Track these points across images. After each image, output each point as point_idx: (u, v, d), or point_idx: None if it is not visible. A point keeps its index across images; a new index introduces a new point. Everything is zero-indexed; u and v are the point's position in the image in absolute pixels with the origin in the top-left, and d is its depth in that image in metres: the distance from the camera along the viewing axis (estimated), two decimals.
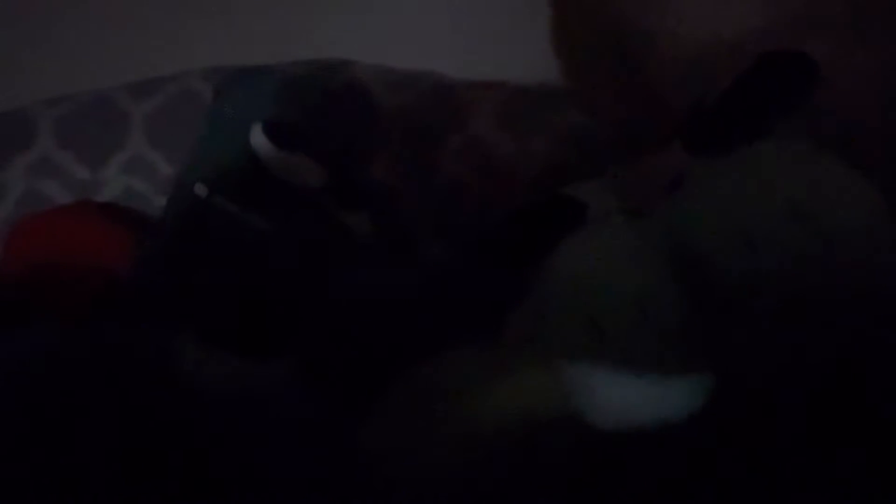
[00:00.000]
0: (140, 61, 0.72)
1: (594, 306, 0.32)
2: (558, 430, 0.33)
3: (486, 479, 0.33)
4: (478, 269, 0.43)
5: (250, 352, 0.38)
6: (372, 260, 0.47)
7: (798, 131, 0.37)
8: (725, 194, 0.35)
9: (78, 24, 0.78)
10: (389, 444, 0.36)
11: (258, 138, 0.46)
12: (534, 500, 0.33)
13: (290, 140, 0.47)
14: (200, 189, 0.46)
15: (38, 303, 0.52)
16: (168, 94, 0.69)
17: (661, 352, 0.31)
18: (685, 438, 0.31)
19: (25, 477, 0.32)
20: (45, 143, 0.68)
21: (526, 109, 0.63)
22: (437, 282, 0.44)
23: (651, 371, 0.30)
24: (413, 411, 0.37)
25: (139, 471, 0.33)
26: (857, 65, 0.42)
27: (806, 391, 0.31)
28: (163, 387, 0.37)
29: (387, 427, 0.37)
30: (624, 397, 0.31)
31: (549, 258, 0.36)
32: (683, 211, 0.35)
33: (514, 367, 0.35)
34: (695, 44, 0.48)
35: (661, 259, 0.33)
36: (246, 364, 0.38)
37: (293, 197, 0.47)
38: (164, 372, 0.37)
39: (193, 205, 0.47)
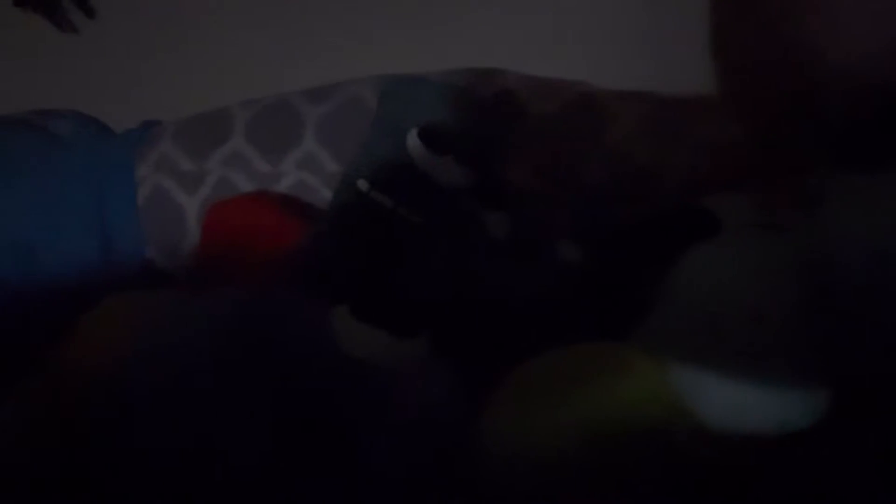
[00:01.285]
0: (317, 70, 0.81)
1: (713, 310, 0.33)
2: (669, 430, 0.34)
3: (600, 470, 0.35)
4: (609, 273, 0.44)
5: (397, 329, 0.43)
6: (508, 257, 0.51)
7: None
8: (874, 212, 0.35)
9: (264, 39, 0.90)
10: (510, 427, 0.39)
11: (413, 142, 0.51)
12: (649, 495, 0.34)
13: (442, 144, 0.51)
14: (362, 184, 0.52)
15: (226, 274, 0.61)
16: (338, 100, 0.74)
17: (777, 359, 0.31)
18: (805, 447, 0.31)
19: (209, 418, 0.38)
20: (237, 139, 0.78)
21: (668, 120, 0.63)
22: (569, 282, 0.46)
23: (766, 376, 0.31)
24: (534, 401, 0.39)
25: (289, 422, 0.39)
26: None
27: None
28: (319, 353, 0.42)
29: (509, 412, 0.40)
30: (738, 400, 0.31)
31: (676, 265, 0.37)
32: (827, 226, 0.35)
33: (631, 366, 0.36)
34: (860, 54, 0.46)
35: (788, 271, 0.33)
36: (392, 340, 0.43)
37: (441, 195, 0.51)
38: (322, 341, 0.43)
39: (355, 198, 0.53)
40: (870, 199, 0.35)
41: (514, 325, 0.44)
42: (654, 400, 0.35)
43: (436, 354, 0.43)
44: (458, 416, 0.41)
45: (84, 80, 1.01)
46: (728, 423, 0.32)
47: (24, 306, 0.73)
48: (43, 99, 0.99)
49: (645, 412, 0.35)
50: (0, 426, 0.53)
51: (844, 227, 0.35)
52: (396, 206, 0.51)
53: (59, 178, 0.80)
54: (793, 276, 0.32)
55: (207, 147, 0.77)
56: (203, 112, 0.82)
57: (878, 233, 0.33)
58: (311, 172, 0.72)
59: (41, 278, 0.75)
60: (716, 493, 0.32)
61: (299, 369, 0.40)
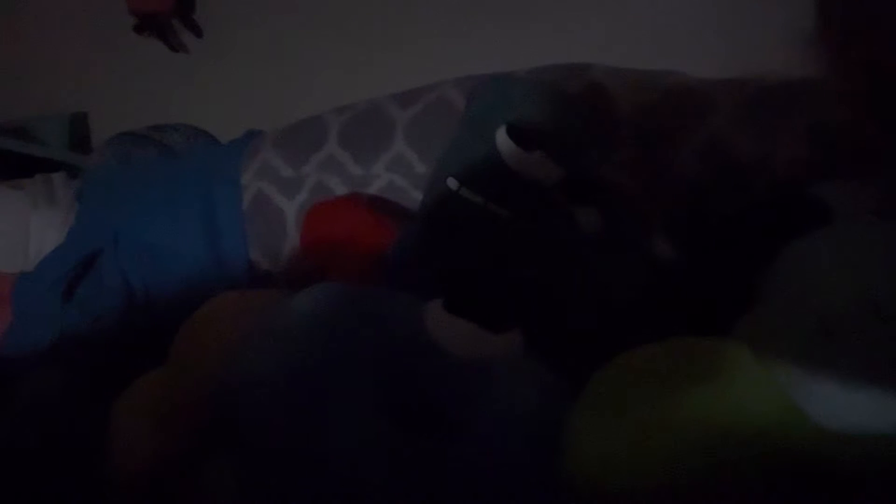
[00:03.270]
0: (407, 75, 0.83)
1: (825, 306, 0.30)
2: (783, 432, 0.32)
3: (716, 471, 0.33)
4: (707, 266, 0.43)
5: (490, 324, 0.43)
6: (599, 253, 0.50)
7: None
8: None
9: (357, 49, 0.93)
10: (609, 424, 0.38)
11: (502, 139, 0.51)
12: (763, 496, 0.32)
13: (531, 140, 0.51)
14: (452, 182, 0.53)
15: (324, 273, 0.64)
16: (426, 102, 0.76)
17: None
18: None
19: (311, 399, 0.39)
20: (332, 144, 0.81)
21: (767, 108, 0.60)
22: (663, 276, 0.45)
23: (885, 377, 0.28)
24: (636, 398, 0.38)
25: (384, 408, 0.40)
26: None
27: None
28: (412, 345, 0.43)
29: (606, 407, 0.39)
30: (853, 402, 0.29)
31: (781, 256, 0.36)
32: None
33: (735, 365, 0.35)
34: None
35: None
36: (485, 335, 0.43)
37: (531, 191, 0.51)
38: (415, 334, 0.44)
39: (445, 195, 0.53)
40: None
41: (606, 320, 0.43)
42: (766, 400, 0.33)
43: (529, 349, 0.43)
44: (551, 411, 0.40)
45: (193, 95, 1.09)
46: (841, 424, 0.30)
47: (147, 301, 0.80)
48: (160, 115, 1.08)
49: (757, 412, 0.33)
50: (127, 411, 0.58)
51: None
52: (486, 202, 0.52)
53: (175, 186, 0.86)
54: None
55: (304, 153, 0.81)
56: (300, 120, 0.86)
57: None
58: (400, 174, 0.75)
59: (160, 276, 0.81)
60: (831, 494, 0.31)
61: (396, 361, 0.41)
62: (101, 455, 0.55)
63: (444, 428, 0.40)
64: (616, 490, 0.36)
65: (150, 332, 0.66)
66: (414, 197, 0.73)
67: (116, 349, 0.74)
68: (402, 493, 0.35)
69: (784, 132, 0.59)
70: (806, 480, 0.31)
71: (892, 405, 0.28)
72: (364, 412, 0.38)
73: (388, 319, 0.44)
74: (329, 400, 0.38)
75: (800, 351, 0.31)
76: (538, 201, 0.52)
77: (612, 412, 0.38)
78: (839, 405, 0.29)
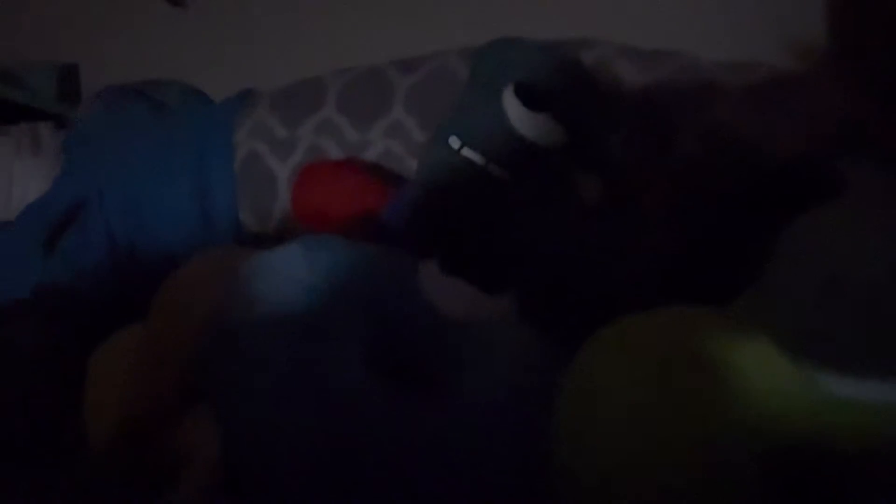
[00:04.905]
0: (408, 41, 0.81)
1: (837, 262, 0.29)
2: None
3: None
4: (709, 234, 0.42)
5: (484, 285, 0.42)
6: (599, 219, 0.49)
7: None
8: None
9: (357, 11, 0.91)
10: (587, 406, 0.36)
11: (509, 98, 0.50)
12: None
13: (539, 101, 0.50)
14: (454, 141, 0.51)
15: (315, 233, 0.62)
16: (428, 70, 0.75)
17: None
18: None
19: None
20: (329, 107, 0.79)
21: (777, 92, 0.59)
22: (663, 246, 0.44)
23: None
24: (617, 375, 0.36)
25: (380, 365, 0.39)
26: None
27: None
28: (408, 300, 0.42)
29: (593, 372, 0.37)
30: (861, 363, 0.28)
31: (792, 226, 0.34)
32: None
33: (735, 341, 0.34)
34: None
35: None
36: (479, 295, 0.42)
37: (534, 154, 0.50)
38: (408, 291, 0.43)
39: (446, 154, 0.52)
40: None
41: (603, 289, 0.43)
42: (769, 375, 0.31)
43: (522, 312, 0.42)
44: (540, 376, 0.40)
45: (189, 52, 1.06)
46: (848, 390, 0.28)
47: (131, 257, 0.78)
48: (153, 70, 1.05)
49: (760, 390, 0.31)
50: (104, 362, 0.56)
51: None
52: (488, 163, 0.51)
53: (165, 142, 0.84)
54: None
55: (301, 115, 0.79)
56: (298, 81, 0.84)
57: None
58: (397, 141, 0.73)
59: (146, 232, 0.79)
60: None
61: (387, 316, 0.40)
62: (77, 405, 0.54)
63: (432, 386, 0.39)
64: (606, 476, 0.34)
65: (133, 287, 0.65)
66: (410, 165, 0.71)
67: (98, 302, 0.73)
68: (391, 440, 0.34)
69: (792, 119, 0.58)
70: (806, 475, 0.30)
71: None
72: (354, 362, 0.37)
73: (380, 275, 0.43)
74: (321, 348, 0.37)
75: (808, 307, 0.30)
76: (540, 165, 0.51)
77: (602, 395, 0.35)
78: (846, 367, 0.28)
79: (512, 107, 0.50)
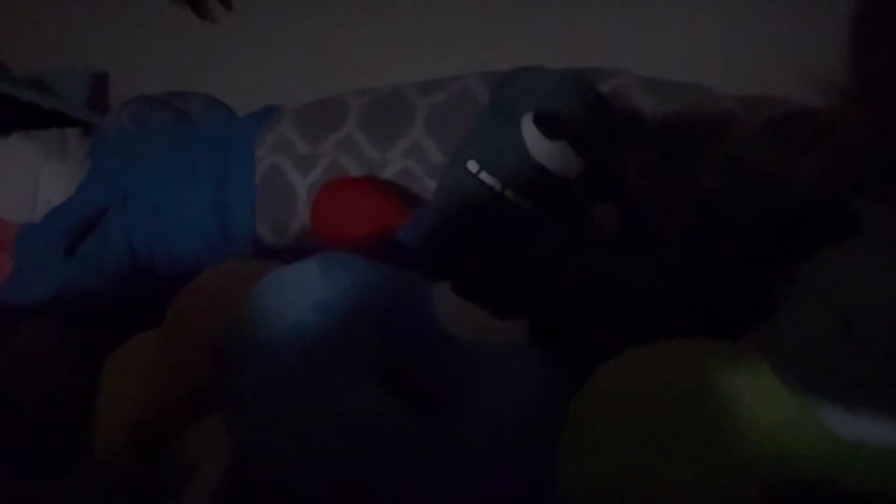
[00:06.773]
0: (430, 64, 0.83)
1: (848, 301, 0.29)
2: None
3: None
4: (722, 274, 0.42)
5: (496, 309, 0.43)
6: (614, 249, 0.49)
7: None
8: None
9: (381, 32, 0.93)
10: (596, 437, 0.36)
11: (528, 125, 0.51)
12: None
13: (557, 129, 0.51)
14: (472, 165, 0.52)
15: (332, 249, 0.63)
16: (449, 92, 0.76)
17: None
18: None
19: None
20: (350, 125, 0.81)
21: (796, 127, 0.59)
22: (676, 280, 0.44)
23: None
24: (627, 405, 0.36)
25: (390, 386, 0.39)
26: None
27: None
28: (416, 324, 0.43)
29: (595, 414, 0.37)
30: (869, 406, 0.28)
31: (806, 264, 0.34)
32: None
33: (743, 373, 0.34)
34: None
35: None
36: (491, 319, 0.43)
37: (551, 181, 0.51)
38: (420, 313, 0.44)
39: (464, 177, 0.53)
40: None
41: (616, 314, 0.43)
42: (777, 411, 0.31)
43: (534, 336, 0.42)
44: (549, 402, 0.40)
45: (216, 66, 1.08)
46: (855, 433, 0.28)
47: (149, 265, 0.80)
48: (181, 82, 1.07)
49: (767, 424, 0.31)
50: (118, 367, 0.57)
51: None
52: (504, 188, 0.51)
53: (189, 153, 0.86)
54: None
55: (322, 132, 0.81)
56: (321, 98, 0.86)
57: None
58: (416, 161, 0.75)
59: (165, 241, 0.81)
60: None
61: (401, 335, 0.41)
62: (91, 406, 0.55)
63: (443, 409, 0.39)
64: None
65: (150, 294, 0.66)
66: (428, 185, 0.73)
67: (115, 308, 0.74)
68: (401, 459, 0.34)
69: (810, 156, 0.58)
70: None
71: None
72: (368, 384, 0.37)
73: (394, 295, 0.44)
74: (334, 368, 0.37)
75: (817, 348, 0.30)
76: (557, 192, 0.51)
77: (610, 426, 0.36)
78: (855, 409, 0.28)
79: (530, 134, 0.51)
